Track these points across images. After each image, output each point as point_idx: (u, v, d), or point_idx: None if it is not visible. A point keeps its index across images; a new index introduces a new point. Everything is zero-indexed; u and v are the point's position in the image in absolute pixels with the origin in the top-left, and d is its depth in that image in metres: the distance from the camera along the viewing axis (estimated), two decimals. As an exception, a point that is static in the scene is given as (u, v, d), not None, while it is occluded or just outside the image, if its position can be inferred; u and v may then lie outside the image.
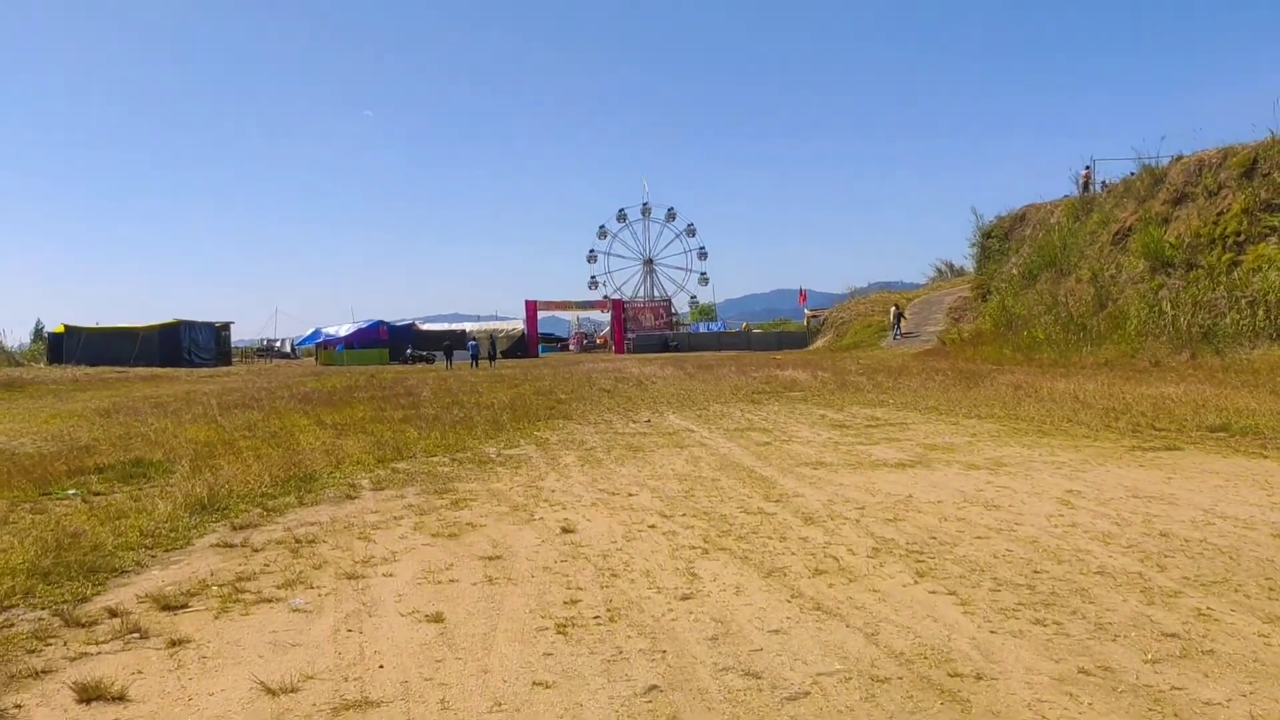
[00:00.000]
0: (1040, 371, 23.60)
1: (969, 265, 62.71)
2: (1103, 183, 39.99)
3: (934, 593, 5.34)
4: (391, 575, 6.03)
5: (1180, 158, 33.56)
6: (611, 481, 9.40)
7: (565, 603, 5.32)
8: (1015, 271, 42.76)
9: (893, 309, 50.68)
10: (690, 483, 9.20)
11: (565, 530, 7.22)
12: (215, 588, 5.77)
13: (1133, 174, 38.14)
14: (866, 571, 5.82)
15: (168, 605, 5.39)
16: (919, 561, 6.01)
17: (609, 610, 5.15)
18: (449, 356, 51.17)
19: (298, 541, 7.02)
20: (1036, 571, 5.71)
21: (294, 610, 5.31)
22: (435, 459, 11.35)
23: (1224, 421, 12.02)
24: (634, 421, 15.36)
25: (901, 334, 47.72)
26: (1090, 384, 18.39)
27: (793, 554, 6.28)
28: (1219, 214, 29.00)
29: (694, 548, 6.54)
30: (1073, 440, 11.49)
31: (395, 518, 7.88)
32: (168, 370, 46.22)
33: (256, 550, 6.80)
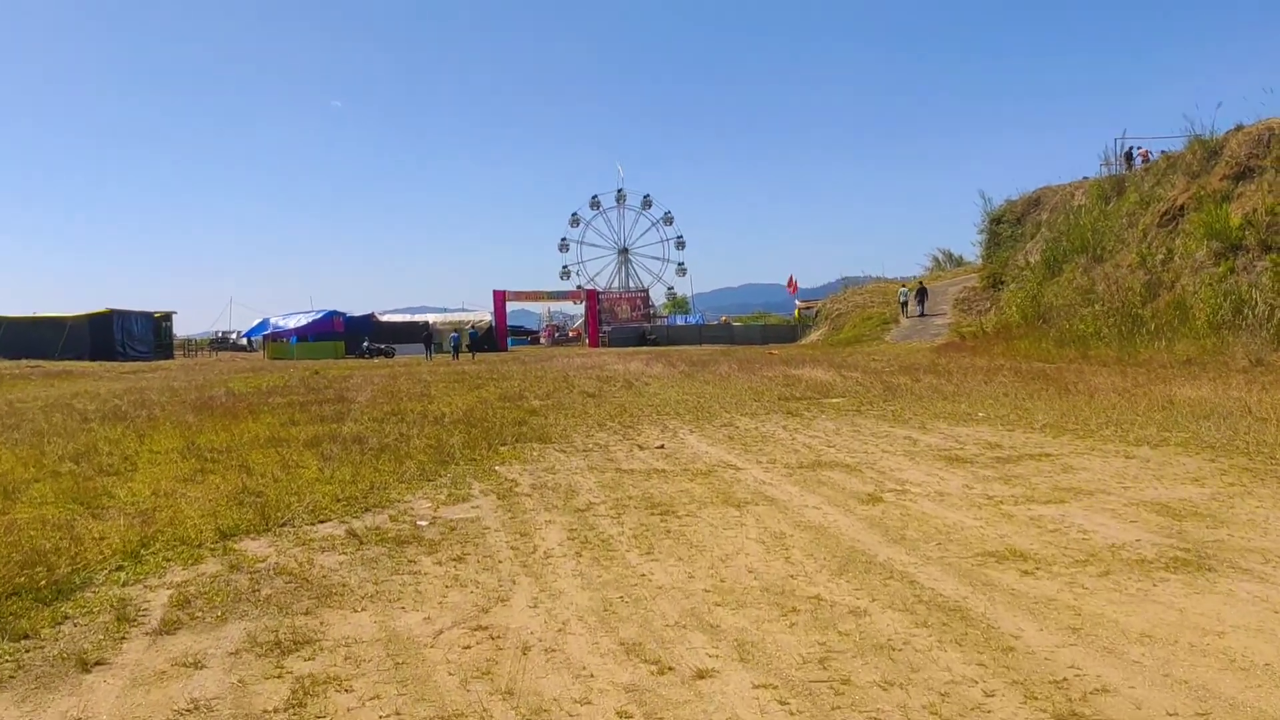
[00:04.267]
0: (1120, 373, 19.17)
1: (970, 254, 58.79)
2: (1142, 157, 35.78)
3: None
4: None
5: (1241, 128, 29.38)
6: (641, 611, 4.71)
7: None
8: (1034, 259, 38.60)
9: (902, 290, 46.51)
10: (801, 620, 4.49)
11: None
12: None
13: (1165, 152, 34.08)
14: None
15: None
16: None
17: None
18: (428, 347, 50.29)
19: None
20: None
21: None
22: (321, 530, 6.66)
23: None
24: (640, 446, 10.71)
25: (924, 313, 43.61)
26: (1233, 391, 13.98)
27: None
28: (1301, 187, 24.89)
29: None
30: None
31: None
32: (90, 365, 40.96)
33: None
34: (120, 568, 5.68)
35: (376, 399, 17.75)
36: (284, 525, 6.79)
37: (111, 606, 4.90)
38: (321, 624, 4.56)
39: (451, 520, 6.92)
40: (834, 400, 15.78)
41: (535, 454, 10.30)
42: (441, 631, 4.40)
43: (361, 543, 6.23)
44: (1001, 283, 41.86)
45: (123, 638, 4.44)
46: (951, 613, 4.47)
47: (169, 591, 5.18)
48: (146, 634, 4.49)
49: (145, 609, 4.89)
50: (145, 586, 5.32)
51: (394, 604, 4.87)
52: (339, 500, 7.62)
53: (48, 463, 9.91)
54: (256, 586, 5.24)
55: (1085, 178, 41.08)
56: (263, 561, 5.80)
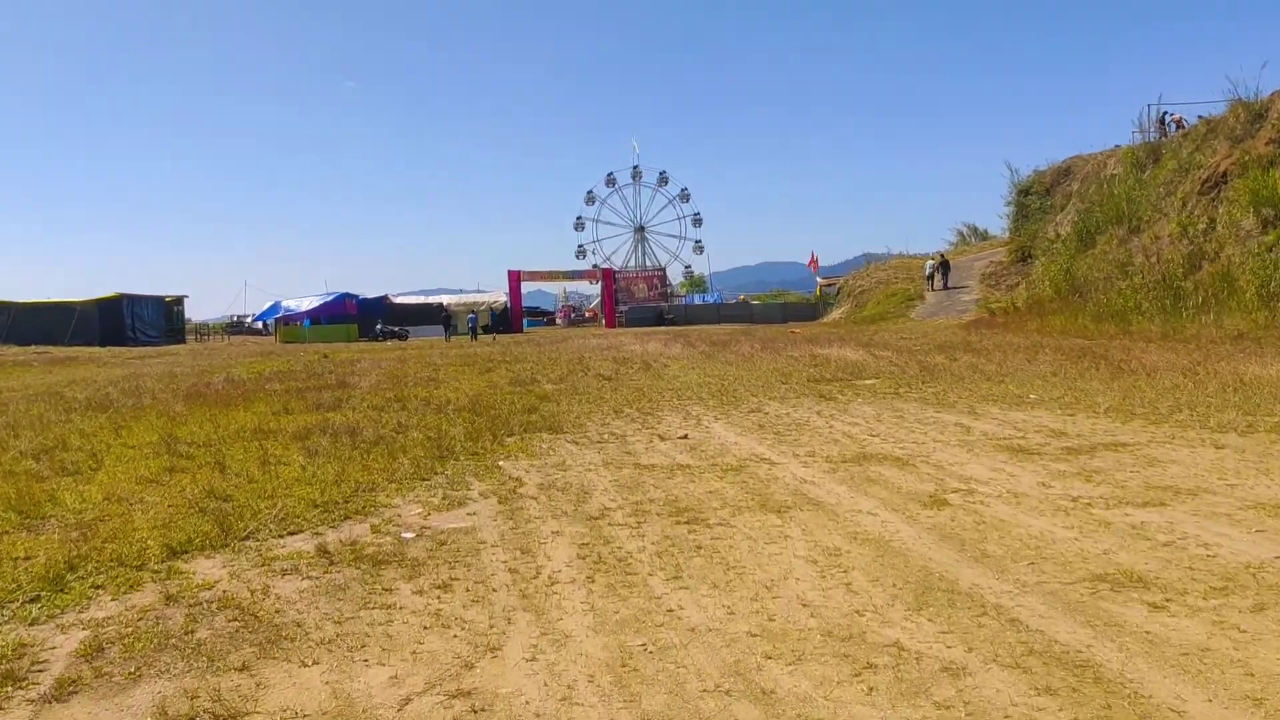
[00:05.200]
0: (1170, 349, 17.94)
1: (996, 227, 57.29)
2: (1176, 123, 34.32)
3: None
4: None
5: (1289, 87, 27.95)
6: (669, 667, 3.64)
7: None
8: (1066, 230, 37.21)
9: (928, 263, 45.21)
10: (882, 682, 3.40)
11: None
12: None
13: (1203, 117, 32.62)
14: None
15: None
16: None
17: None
18: (447, 329, 51.84)
19: None
20: None
21: None
22: (289, 545, 5.63)
23: None
24: (661, 436, 9.64)
25: (948, 287, 42.33)
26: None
27: None
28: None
29: None
30: None
31: None
32: (97, 350, 40.21)
33: None
34: (36, 598, 4.68)
35: (380, 384, 16.75)
36: (246, 539, 5.76)
37: (4, 657, 3.89)
38: (258, 685, 3.53)
39: (442, 532, 5.88)
40: (868, 382, 14.67)
41: (545, 446, 9.25)
42: (409, 699, 3.36)
43: (332, 562, 5.20)
44: (1030, 256, 40.54)
45: None
46: (1079, 671, 3.39)
47: (83, 634, 4.17)
48: (30, 702, 3.47)
49: (45, 660, 3.88)
50: (57, 626, 4.31)
51: (355, 654, 3.83)
52: (316, 505, 6.59)
53: (4, 461, 8.95)
54: (192, 626, 4.22)
55: (1117, 146, 39.62)
56: (209, 589, 4.78)
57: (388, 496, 7.00)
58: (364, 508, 6.61)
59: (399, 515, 6.38)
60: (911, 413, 10.88)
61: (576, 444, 9.35)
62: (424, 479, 7.64)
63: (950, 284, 42.92)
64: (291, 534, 5.91)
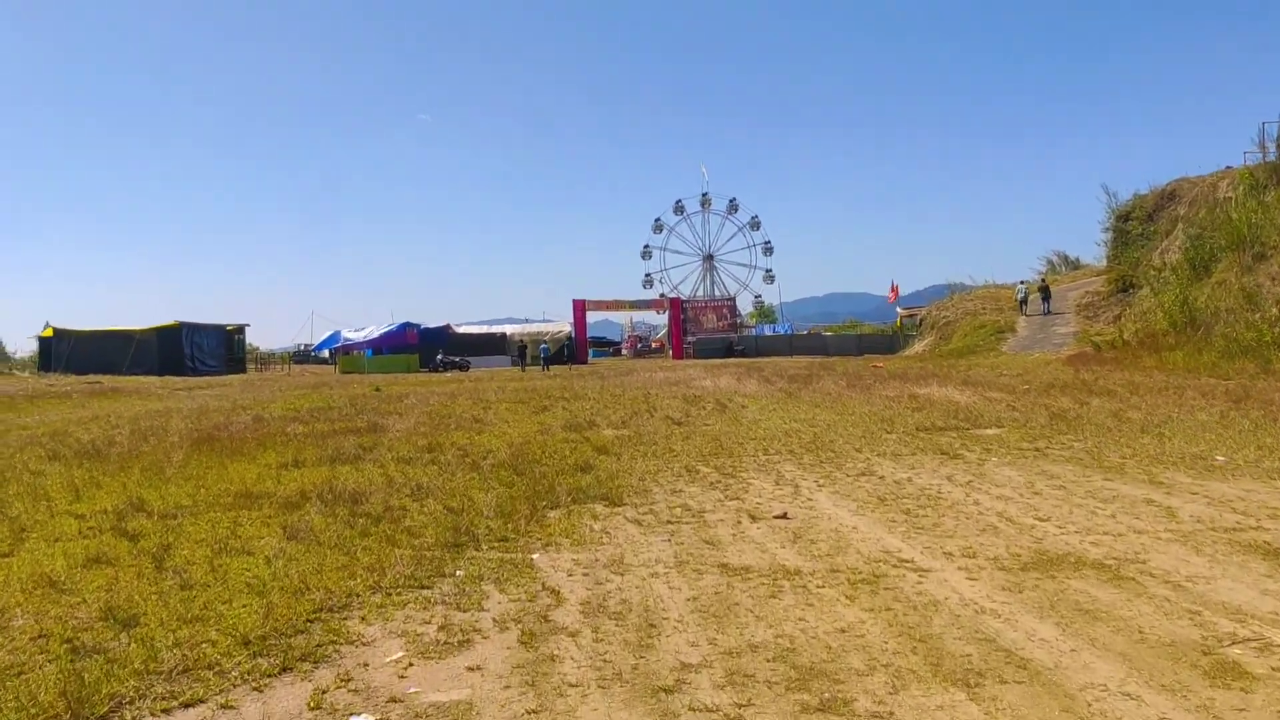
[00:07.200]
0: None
1: (1089, 255, 53.89)
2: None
3: None
4: None
5: None
6: None
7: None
8: (1175, 258, 34.14)
9: (1020, 286, 42.59)
10: None
11: None
12: None
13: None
14: None
15: None
16: None
17: None
18: (521, 358, 53.04)
19: None
20: None
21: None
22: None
23: None
24: (751, 514, 7.30)
25: (1048, 313, 40.03)
26: None
27: None
28: None
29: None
30: None
31: None
32: (149, 380, 39.01)
33: None
34: None
35: (417, 427, 14.65)
36: (108, 716, 3.59)
37: None
38: None
39: (422, 710, 3.64)
40: (989, 431, 12.17)
41: (598, 527, 6.97)
42: None
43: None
44: (1132, 286, 37.57)
45: None
46: None
47: None
48: None
49: None
50: None
51: None
52: (249, 644, 4.38)
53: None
54: None
55: (1229, 167, 36.64)
56: None
57: (363, 620, 4.77)
58: (319, 645, 4.39)
59: (366, 664, 4.15)
60: (1071, 479, 8.39)
61: (639, 524, 7.05)
62: (424, 585, 5.41)
63: (1050, 309, 40.51)
64: (184, 707, 3.71)
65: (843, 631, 4.41)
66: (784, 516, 7.14)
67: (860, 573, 5.44)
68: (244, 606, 4.94)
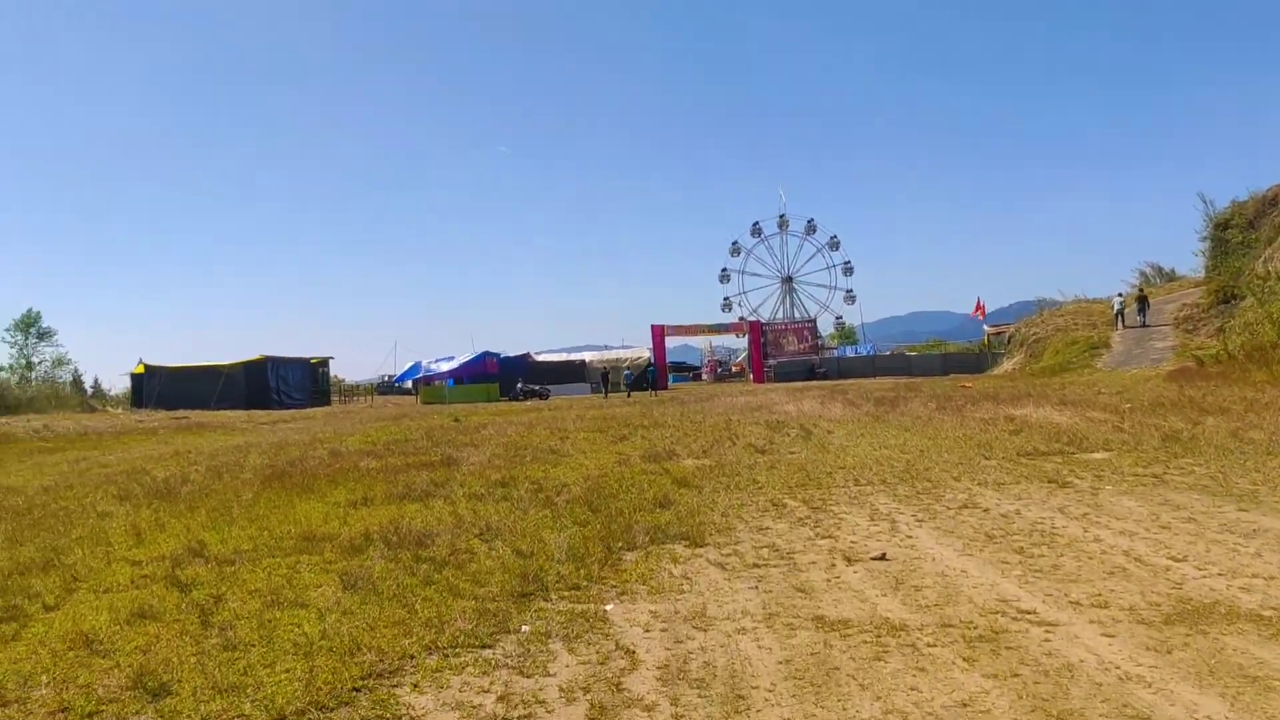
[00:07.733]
0: None
1: (1184, 266, 51.75)
2: None
3: None
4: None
5: None
6: None
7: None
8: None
9: (1116, 299, 41.11)
10: None
11: None
12: None
13: None
14: None
15: None
16: None
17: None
18: (605, 385, 51.72)
19: None
20: None
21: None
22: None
23: None
24: (846, 556, 6.65)
25: (1146, 325, 38.89)
26: None
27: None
28: None
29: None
30: None
31: None
32: (233, 415, 39.61)
33: None
34: None
35: (493, 459, 14.24)
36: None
37: None
38: None
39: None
40: (1096, 456, 11.28)
41: (678, 572, 6.38)
42: None
43: None
44: (1235, 296, 35.78)
45: None
46: None
47: None
48: None
49: None
50: None
51: None
52: (288, 717, 3.92)
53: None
54: None
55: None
56: None
57: (415, 689, 4.27)
58: (365, 717, 3.90)
59: (413, 745, 3.64)
60: (1201, 511, 7.55)
61: (722, 568, 6.45)
62: (485, 644, 4.89)
63: (1148, 321, 39.01)
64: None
65: (964, 706, 3.76)
66: (883, 558, 6.48)
67: (976, 627, 4.77)
68: (286, 672, 4.47)
